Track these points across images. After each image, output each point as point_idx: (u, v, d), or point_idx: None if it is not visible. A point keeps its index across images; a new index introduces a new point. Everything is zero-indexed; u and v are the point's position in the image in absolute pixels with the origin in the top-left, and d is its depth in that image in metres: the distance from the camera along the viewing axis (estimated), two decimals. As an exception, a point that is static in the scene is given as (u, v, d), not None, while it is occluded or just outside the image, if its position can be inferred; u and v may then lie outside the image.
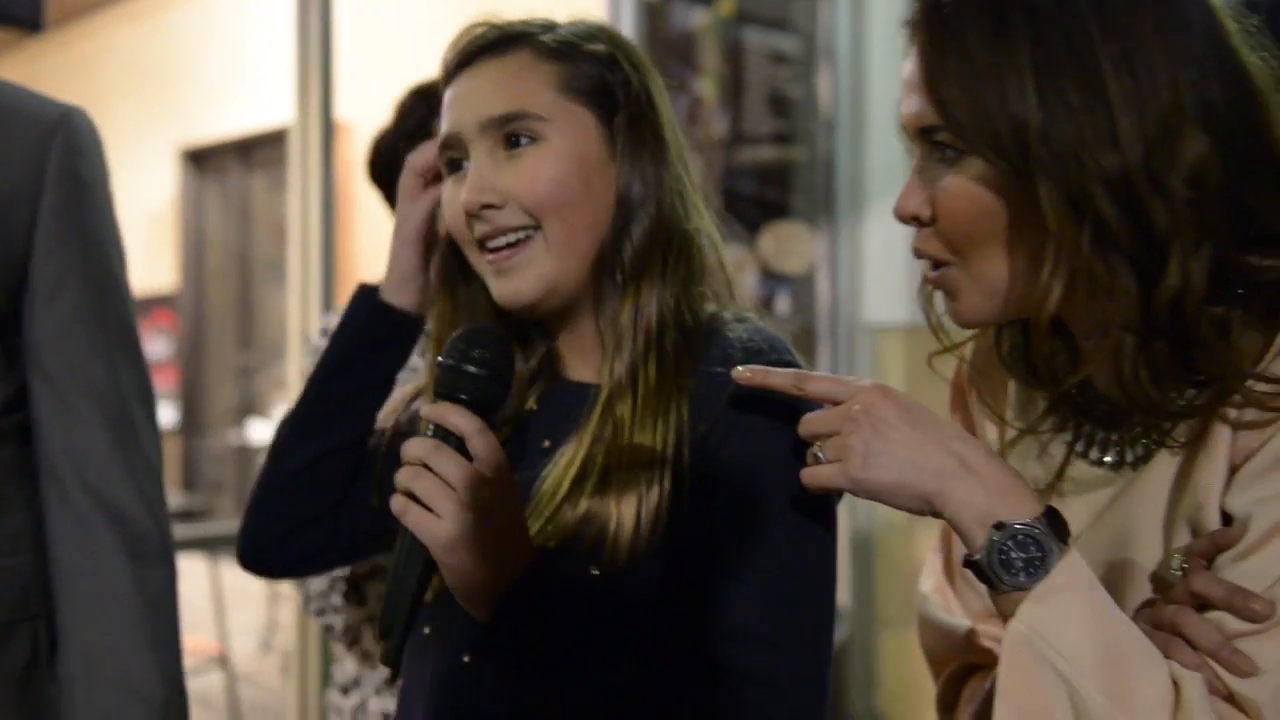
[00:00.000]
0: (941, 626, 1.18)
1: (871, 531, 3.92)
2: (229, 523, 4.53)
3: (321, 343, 1.99)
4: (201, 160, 8.10)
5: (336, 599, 1.94)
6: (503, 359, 1.07)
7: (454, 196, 1.18)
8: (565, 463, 1.13)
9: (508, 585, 1.03)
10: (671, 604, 1.08)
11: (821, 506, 1.10)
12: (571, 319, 1.20)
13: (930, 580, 1.23)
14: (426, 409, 1.05)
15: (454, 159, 1.18)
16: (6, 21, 2.56)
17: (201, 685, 5.27)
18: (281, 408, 2.07)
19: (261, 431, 6.94)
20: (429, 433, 1.03)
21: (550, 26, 1.21)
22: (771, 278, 4.05)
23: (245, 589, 5.26)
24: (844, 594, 4.04)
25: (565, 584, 1.08)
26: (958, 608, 1.19)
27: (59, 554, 1.41)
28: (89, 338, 1.41)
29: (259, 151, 7.58)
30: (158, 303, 8.32)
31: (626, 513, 1.08)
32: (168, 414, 8.18)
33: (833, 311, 4.10)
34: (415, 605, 1.03)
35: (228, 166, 7.95)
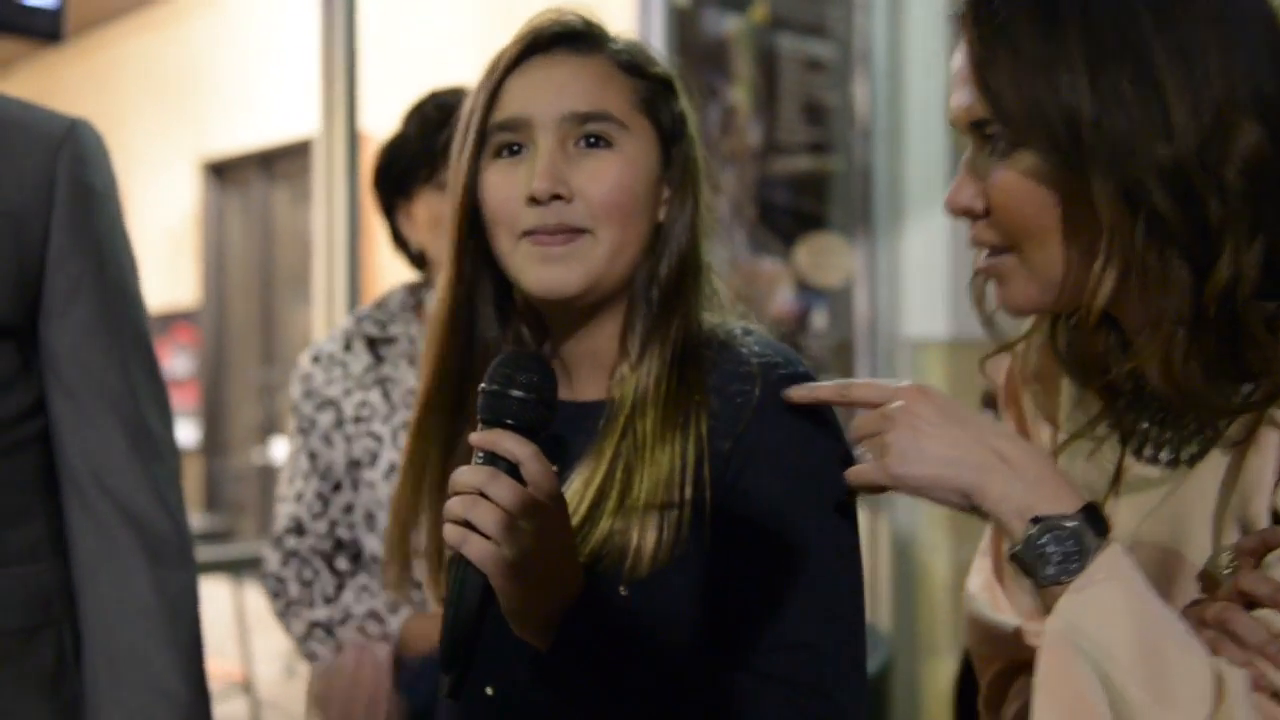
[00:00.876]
0: (988, 624, 1.19)
1: (914, 557, 3.91)
2: (252, 545, 4.56)
3: (311, 369, 2.00)
4: (223, 172, 8.16)
5: (314, 645, 1.96)
6: (547, 383, 1.09)
7: (509, 180, 1.17)
8: (582, 483, 1.16)
9: (565, 611, 1.06)
10: (705, 618, 1.12)
11: (849, 512, 1.14)
12: (590, 328, 1.22)
13: (978, 579, 1.24)
14: (476, 436, 1.06)
15: (512, 143, 1.18)
16: (25, 33, 2.61)
17: (225, 712, 5.29)
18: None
19: (284, 451, 6.97)
20: (479, 460, 1.05)
21: (616, 38, 1.24)
22: (808, 291, 4.06)
23: (268, 612, 5.27)
24: (885, 620, 4.03)
25: (598, 606, 1.10)
26: (1006, 606, 1.20)
27: (80, 558, 1.46)
28: (104, 346, 1.47)
29: (282, 163, 7.63)
30: (178, 318, 8.38)
31: (649, 529, 1.11)
32: (189, 433, 8.22)
33: (871, 326, 4.10)
34: (477, 636, 1.04)
35: (249, 179, 8.01)
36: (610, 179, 1.16)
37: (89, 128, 1.52)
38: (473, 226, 1.21)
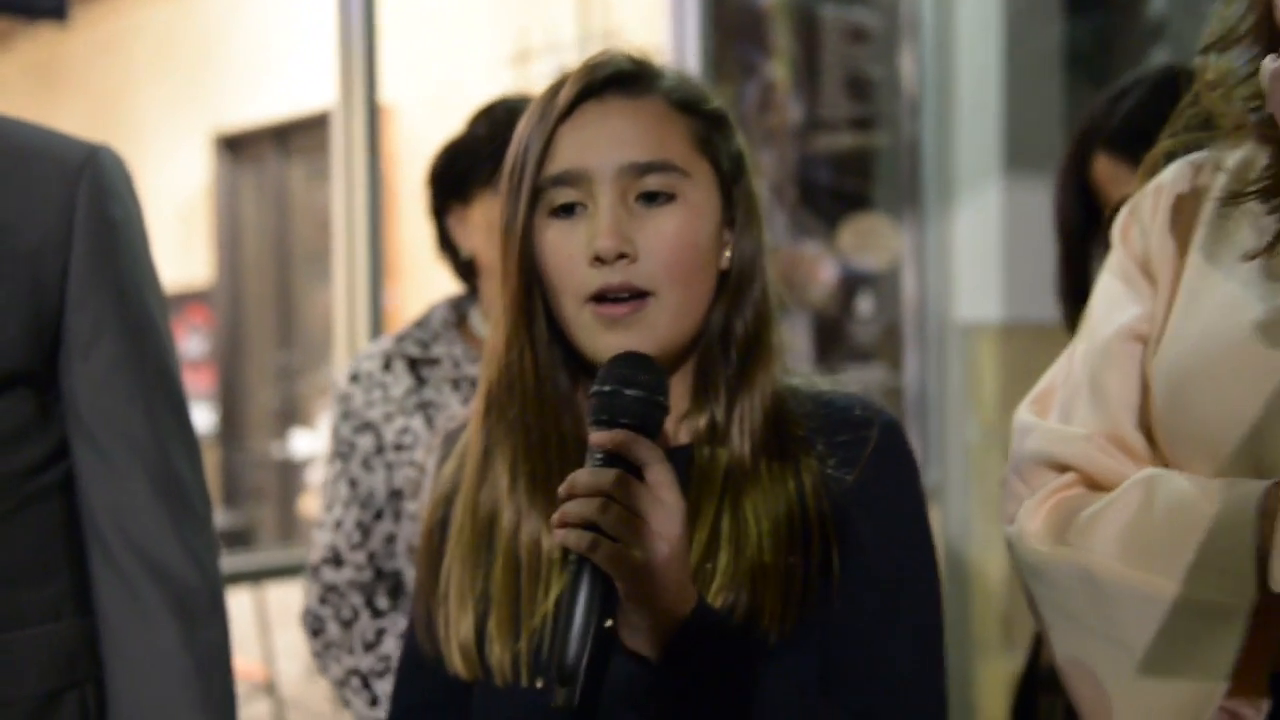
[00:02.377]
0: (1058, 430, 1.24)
1: (966, 553, 3.92)
2: (273, 554, 4.59)
3: (350, 388, 1.99)
4: (236, 147, 8.19)
5: (350, 694, 1.97)
6: (662, 384, 1.12)
7: (570, 240, 1.17)
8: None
9: (682, 622, 1.08)
10: (818, 659, 1.16)
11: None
12: None
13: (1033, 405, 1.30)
14: (598, 435, 1.08)
15: (570, 202, 1.18)
16: (30, 14, 2.64)
17: (247, 716, 5.35)
18: (328, 418, 2.09)
19: (306, 444, 7.00)
20: (597, 461, 1.07)
21: (666, 73, 1.24)
22: (852, 275, 4.06)
23: (291, 606, 5.31)
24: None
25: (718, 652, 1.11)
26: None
27: (105, 615, 1.45)
28: (128, 390, 1.46)
29: (298, 137, 7.66)
30: (192, 299, 8.43)
31: (772, 589, 1.14)
32: (205, 419, 8.28)
33: (920, 310, 4.10)
34: (600, 645, 1.06)
35: (264, 154, 8.04)
36: (675, 235, 1.16)
37: (110, 154, 1.49)
38: (530, 286, 1.21)
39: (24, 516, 1.42)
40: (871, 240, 4.09)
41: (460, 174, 1.99)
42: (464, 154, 1.99)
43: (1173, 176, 1.28)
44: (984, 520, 3.97)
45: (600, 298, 1.16)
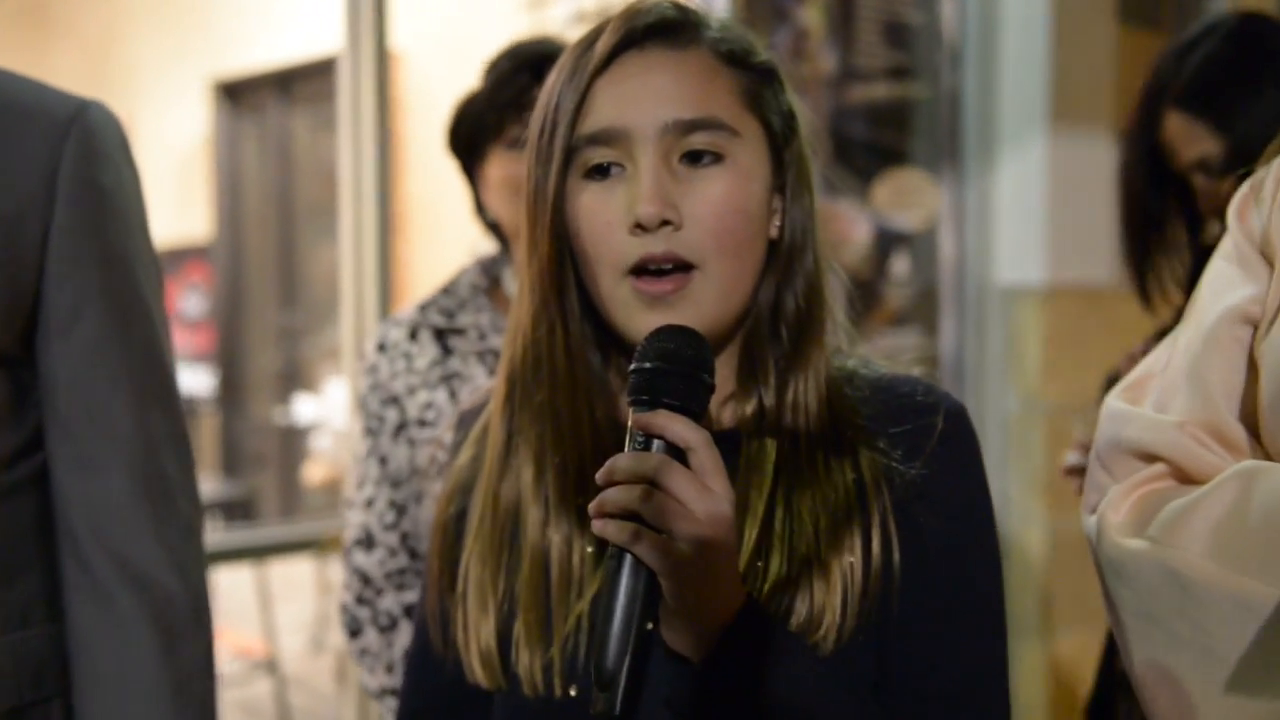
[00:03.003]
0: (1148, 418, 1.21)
1: (1005, 527, 3.91)
2: (276, 529, 4.62)
3: (377, 359, 1.99)
4: (237, 95, 8.20)
5: (385, 709, 1.97)
6: (707, 361, 1.07)
7: (607, 205, 1.12)
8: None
9: (729, 622, 1.04)
10: (878, 656, 1.13)
11: None
12: None
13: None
14: (641, 416, 1.03)
15: (606, 162, 1.13)
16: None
17: (249, 695, 5.39)
18: (333, 382, 2.08)
19: (310, 410, 7.02)
20: (639, 444, 1.02)
21: (711, 22, 1.18)
22: (887, 234, 4.04)
23: (293, 580, 5.36)
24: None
25: (769, 651, 1.08)
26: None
27: (75, 625, 1.37)
28: (111, 375, 1.37)
29: (301, 85, 7.66)
30: (190, 255, 8.46)
31: (833, 587, 1.11)
32: (204, 383, 8.32)
33: (959, 272, 4.08)
34: (646, 644, 1.02)
35: (266, 102, 8.05)
36: (723, 200, 1.11)
37: (102, 110, 1.41)
38: (561, 254, 1.16)
39: None
40: (908, 198, 4.06)
41: (468, 135, 2.01)
42: (468, 113, 2.01)
43: None
44: (1024, 496, 3.96)
45: (641, 270, 1.11)
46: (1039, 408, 3.96)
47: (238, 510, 7.08)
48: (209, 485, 7.46)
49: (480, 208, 2.06)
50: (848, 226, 3.96)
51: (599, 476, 1.02)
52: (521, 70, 1.94)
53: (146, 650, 1.36)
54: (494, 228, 2.04)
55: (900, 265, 4.09)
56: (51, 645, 1.38)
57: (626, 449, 1.03)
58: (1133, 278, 2.14)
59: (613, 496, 1.00)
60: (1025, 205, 3.99)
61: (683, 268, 1.11)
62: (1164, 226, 2.09)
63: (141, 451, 1.38)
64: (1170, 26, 4.26)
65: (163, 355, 1.43)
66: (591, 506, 1.01)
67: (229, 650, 5.76)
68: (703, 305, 1.11)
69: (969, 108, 4.04)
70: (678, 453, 1.02)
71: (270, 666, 5.21)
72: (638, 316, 1.12)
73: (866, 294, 4.01)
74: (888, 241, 4.05)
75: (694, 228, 1.10)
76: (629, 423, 1.04)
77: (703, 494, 1.00)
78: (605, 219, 1.12)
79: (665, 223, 1.09)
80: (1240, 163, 1.51)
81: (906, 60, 4.07)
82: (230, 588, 5.52)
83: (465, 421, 1.33)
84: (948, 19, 4.05)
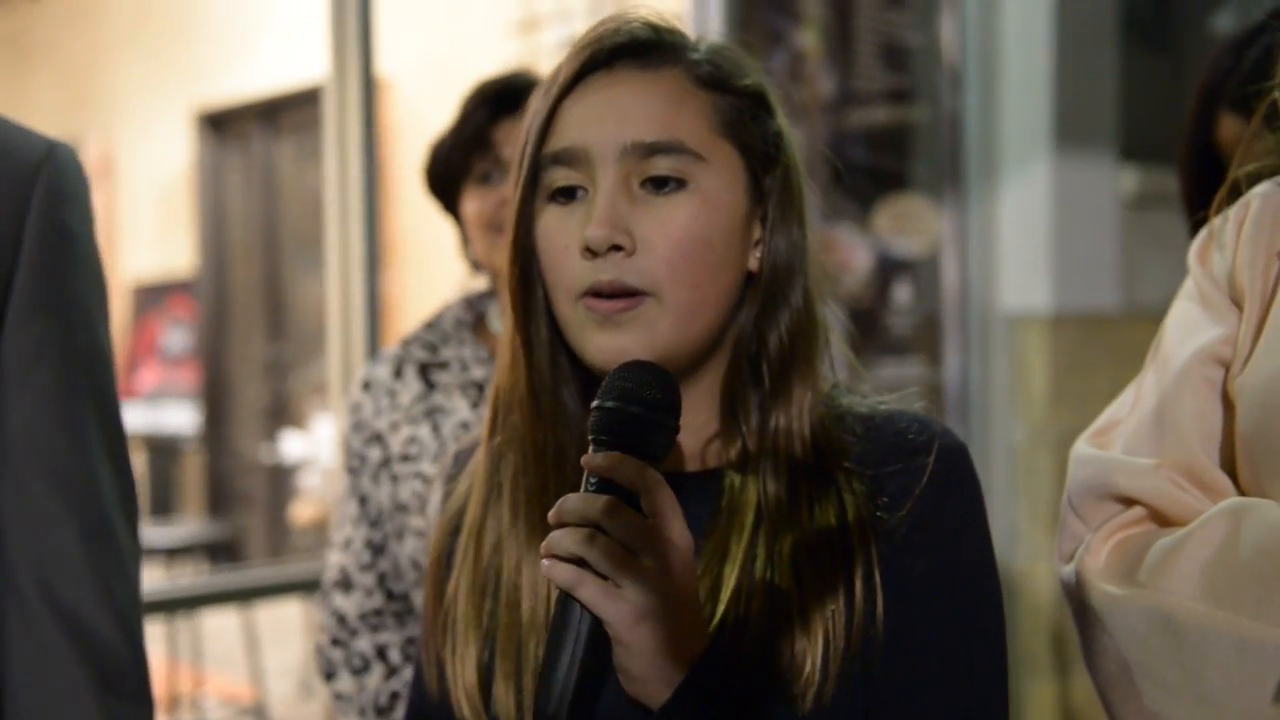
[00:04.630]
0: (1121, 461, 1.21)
1: (1012, 564, 3.91)
2: (263, 572, 4.61)
3: (361, 397, 2.01)
4: (220, 125, 8.23)
5: None
6: (672, 401, 1.05)
7: (565, 228, 1.11)
8: (709, 579, 1.11)
9: (689, 668, 1.02)
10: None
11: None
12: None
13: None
14: (589, 457, 1.02)
15: (569, 185, 1.12)
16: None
17: (234, 738, 5.37)
18: (321, 418, 2.09)
19: (298, 447, 7.01)
20: (591, 486, 1.01)
21: (695, 44, 1.17)
22: (888, 261, 4.05)
23: (281, 623, 5.34)
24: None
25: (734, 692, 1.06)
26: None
27: (14, 686, 1.32)
28: (68, 426, 1.35)
29: (287, 113, 7.69)
30: (174, 289, 8.47)
31: (815, 641, 1.08)
32: (189, 420, 8.32)
33: (962, 298, 4.08)
34: (593, 696, 1.01)
35: (250, 131, 8.07)
36: (681, 226, 1.09)
37: (68, 152, 1.39)
38: (529, 277, 1.16)
39: None
40: (909, 223, 4.07)
41: (440, 176, 2.06)
42: (438, 155, 2.06)
43: (1261, 194, 1.24)
44: (1032, 529, 3.96)
45: (593, 293, 1.10)
46: (1046, 437, 3.97)
47: (224, 552, 7.06)
48: (194, 526, 7.46)
49: (466, 244, 2.08)
50: (848, 253, 3.97)
51: (550, 517, 1.01)
52: (481, 106, 1.99)
53: (91, 716, 1.33)
54: (478, 265, 2.07)
55: (902, 293, 4.10)
56: None
57: (581, 489, 1.02)
58: None
59: (559, 540, 1.00)
60: (1029, 230, 4.00)
61: (634, 294, 1.10)
62: None
63: (93, 503, 1.36)
64: (1173, 47, 4.29)
65: (114, 405, 1.41)
66: (542, 547, 1.01)
67: (215, 695, 5.75)
68: (655, 330, 1.09)
69: (970, 131, 4.06)
70: (633, 496, 1.01)
71: (258, 712, 5.19)
72: (590, 336, 1.11)
73: (868, 322, 4.02)
74: (889, 268, 4.06)
75: (647, 254, 1.09)
76: (583, 463, 1.03)
77: (652, 541, 0.99)
78: (562, 243, 1.11)
79: (615, 248, 1.08)
80: None
81: (906, 83, 4.08)
82: (216, 631, 5.51)
83: (459, 460, 1.33)
84: (948, 40, 4.07)
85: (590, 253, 1.09)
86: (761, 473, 1.13)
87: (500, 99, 1.97)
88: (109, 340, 1.42)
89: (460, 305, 2.09)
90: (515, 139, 1.91)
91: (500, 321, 2.02)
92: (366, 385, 2.02)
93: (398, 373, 2.01)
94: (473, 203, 1.99)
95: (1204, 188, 2.05)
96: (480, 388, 1.96)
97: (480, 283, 2.12)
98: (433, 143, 2.07)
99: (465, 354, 2.00)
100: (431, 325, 2.06)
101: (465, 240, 2.08)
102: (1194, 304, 1.24)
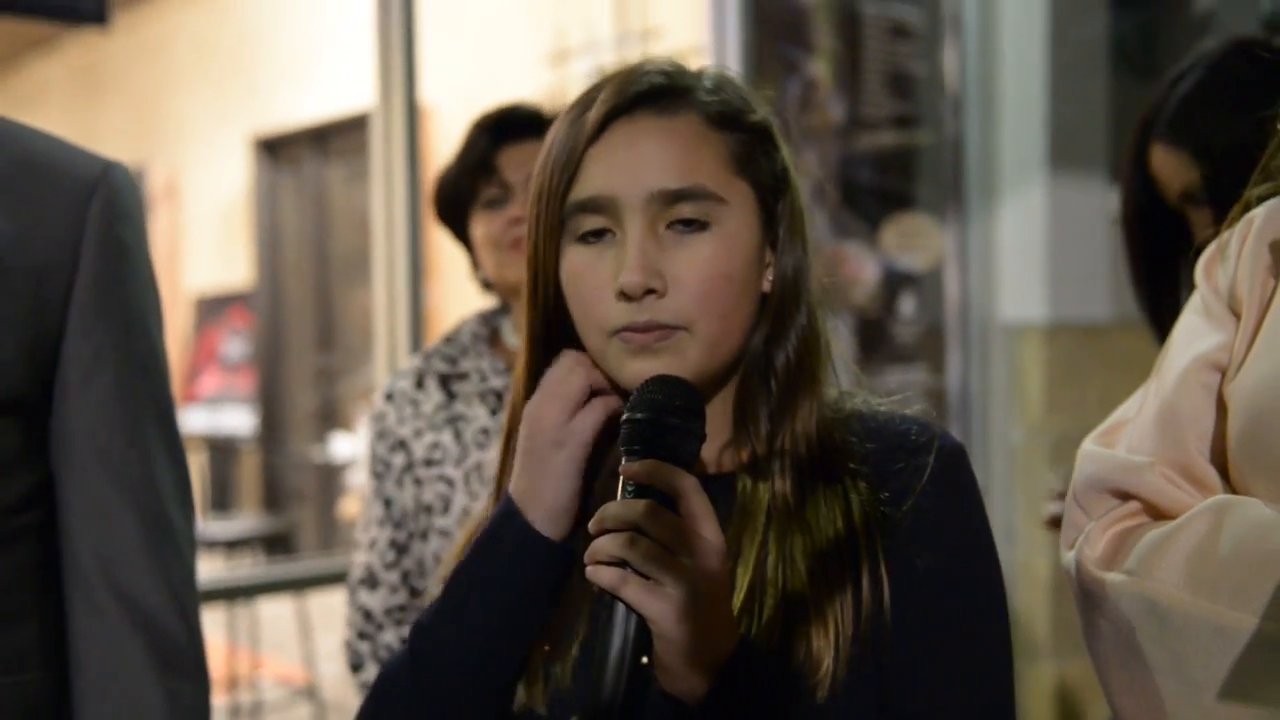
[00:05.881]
0: (1115, 459, 1.21)
1: (1012, 555, 3.89)
2: (315, 563, 4.63)
3: (385, 407, 2.01)
4: (275, 149, 8.25)
5: None
6: (698, 411, 1.06)
7: (595, 270, 1.11)
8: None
9: (723, 665, 1.01)
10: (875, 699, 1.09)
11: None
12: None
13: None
14: (626, 465, 1.02)
15: (597, 229, 1.12)
16: (72, 18, 2.67)
17: (289, 719, 5.38)
18: (368, 421, 2.08)
19: (346, 448, 7.03)
20: (629, 493, 1.02)
21: (703, 83, 1.17)
22: (894, 275, 4.04)
23: (331, 610, 5.35)
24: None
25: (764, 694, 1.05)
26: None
27: (84, 668, 1.35)
28: (126, 425, 1.37)
29: (336, 139, 7.71)
30: (233, 301, 8.50)
31: (823, 635, 1.07)
32: (246, 422, 8.35)
33: (963, 310, 4.07)
34: (638, 691, 1.00)
35: (303, 156, 8.10)
36: (708, 266, 1.10)
37: (123, 172, 1.41)
38: (551, 315, 1.16)
39: None
40: (914, 239, 4.06)
41: (448, 203, 2.07)
42: (444, 184, 2.07)
43: (1266, 212, 1.23)
44: (1029, 524, 3.94)
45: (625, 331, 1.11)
46: (1042, 439, 3.95)
47: (278, 544, 7.07)
48: (251, 520, 7.47)
49: (476, 268, 2.08)
50: (857, 267, 3.95)
51: (591, 525, 1.01)
52: (482, 134, 1.99)
53: (155, 693, 1.35)
54: (489, 285, 2.07)
55: (907, 304, 4.08)
56: (45, 692, 1.35)
57: (619, 497, 1.02)
58: (1146, 313, 2.09)
59: (602, 544, 1.00)
60: (1026, 245, 3.98)
61: (674, 331, 1.10)
62: (1168, 261, 2.04)
63: (151, 500, 1.38)
64: (1159, 76, 4.26)
65: (170, 406, 1.42)
66: (586, 554, 1.01)
67: (271, 678, 5.76)
68: (688, 357, 1.10)
69: (971, 153, 4.04)
70: (669, 500, 1.01)
71: (310, 693, 5.20)
72: (626, 365, 1.11)
73: (875, 332, 4.01)
74: (895, 282, 4.05)
75: (679, 293, 1.09)
76: (620, 471, 1.03)
77: (690, 540, 0.99)
78: (594, 284, 1.11)
79: (650, 292, 1.09)
80: (1220, 190, 1.48)
81: (911, 109, 4.07)
82: (271, 619, 5.52)
83: None
84: (950, 69, 4.06)
85: (625, 296, 1.09)
86: (771, 476, 1.13)
87: (500, 128, 1.99)
88: (163, 345, 1.43)
89: (476, 321, 2.09)
90: (517, 163, 1.93)
91: (514, 335, 2.02)
92: (389, 396, 2.02)
93: (419, 383, 2.01)
94: (481, 225, 1.99)
95: (1150, 217, 2.03)
96: (499, 395, 1.96)
97: (493, 300, 2.13)
98: (440, 173, 2.08)
99: (484, 365, 2.01)
100: (450, 340, 2.07)
101: (475, 264, 2.08)
102: (1198, 315, 1.24)
